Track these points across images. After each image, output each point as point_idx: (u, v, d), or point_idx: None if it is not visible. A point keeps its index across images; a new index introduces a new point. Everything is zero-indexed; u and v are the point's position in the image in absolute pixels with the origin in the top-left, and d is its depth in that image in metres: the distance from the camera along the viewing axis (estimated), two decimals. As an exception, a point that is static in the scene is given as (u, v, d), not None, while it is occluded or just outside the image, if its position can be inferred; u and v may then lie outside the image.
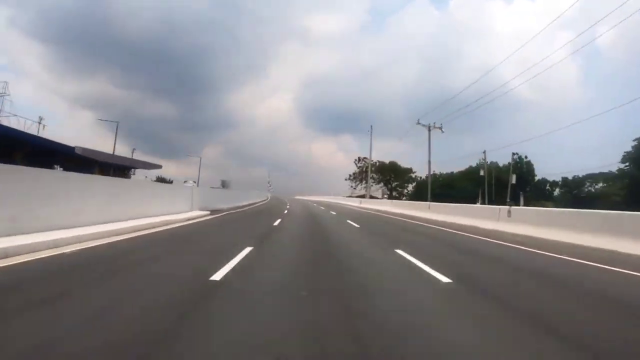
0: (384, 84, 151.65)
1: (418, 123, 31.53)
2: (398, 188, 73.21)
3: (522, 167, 55.86)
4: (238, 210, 17.53)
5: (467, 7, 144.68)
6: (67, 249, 4.73)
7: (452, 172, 66.95)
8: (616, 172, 45.91)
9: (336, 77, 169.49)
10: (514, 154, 53.71)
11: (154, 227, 7.80)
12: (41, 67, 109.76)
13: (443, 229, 11.43)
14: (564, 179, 58.83)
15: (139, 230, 7.07)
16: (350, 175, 77.89)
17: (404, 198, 64.85)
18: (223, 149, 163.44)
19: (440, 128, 31.39)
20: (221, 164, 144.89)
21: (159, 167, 41.86)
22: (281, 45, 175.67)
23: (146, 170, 43.35)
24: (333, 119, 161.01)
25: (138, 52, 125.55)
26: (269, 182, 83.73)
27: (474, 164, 62.38)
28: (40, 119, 39.14)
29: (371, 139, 42.06)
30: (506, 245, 7.70)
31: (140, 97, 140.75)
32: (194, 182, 47.03)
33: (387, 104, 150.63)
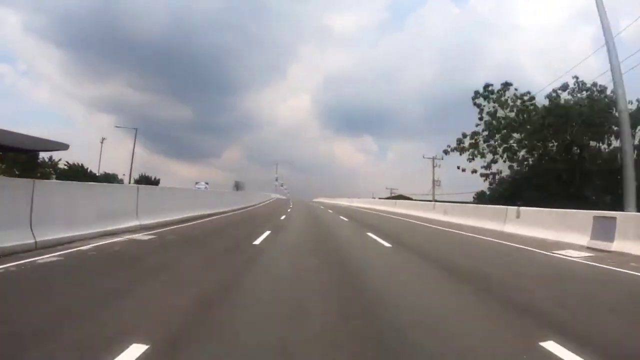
0: (403, 82, 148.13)
1: None
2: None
3: None
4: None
5: (488, 3, 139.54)
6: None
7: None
8: None
9: (354, 77, 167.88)
10: None
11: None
12: (57, 71, 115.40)
13: None
14: None
15: None
16: (465, 136, 31.63)
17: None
18: (242, 151, 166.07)
19: None
20: (240, 167, 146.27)
21: (64, 147, 29.63)
22: (299, 45, 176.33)
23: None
24: (352, 119, 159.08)
25: (155, 54, 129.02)
26: (277, 180, 71.01)
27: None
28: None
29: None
30: None
31: (158, 100, 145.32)
32: (207, 183, 44.78)
33: (406, 104, 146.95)
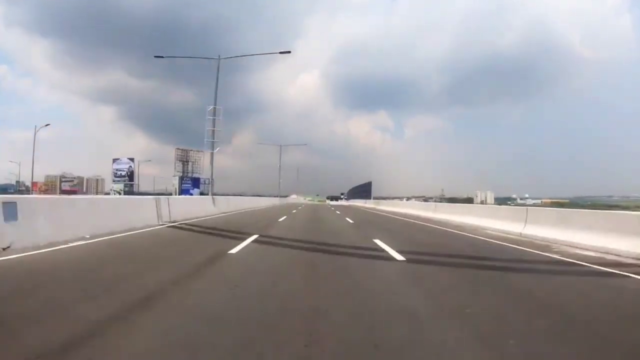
0: (421, 50, 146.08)
1: None
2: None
3: None
4: None
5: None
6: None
7: None
8: None
9: (368, 48, 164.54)
10: None
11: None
12: (50, 64, 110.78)
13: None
14: None
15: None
16: None
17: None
18: (252, 135, 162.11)
19: None
20: (253, 152, 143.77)
21: None
22: (306, 15, 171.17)
23: None
24: (368, 94, 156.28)
25: (150, 34, 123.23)
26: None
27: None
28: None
29: None
30: None
31: (159, 85, 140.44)
32: (131, 159, 44.56)
33: (424, 74, 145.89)
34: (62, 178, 58.57)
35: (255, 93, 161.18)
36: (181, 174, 58.30)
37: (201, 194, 55.65)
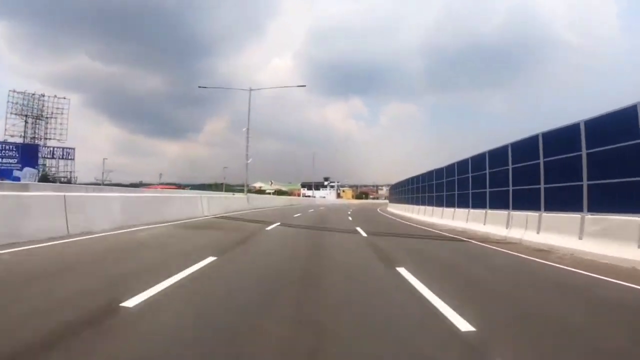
0: (398, 33, 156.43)
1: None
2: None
3: None
4: None
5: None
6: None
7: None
8: None
9: (345, 29, 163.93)
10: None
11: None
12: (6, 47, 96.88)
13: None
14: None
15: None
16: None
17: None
18: (224, 123, 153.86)
19: None
20: (227, 140, 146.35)
21: None
22: None
23: None
24: (345, 79, 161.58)
25: (114, 16, 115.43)
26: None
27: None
28: None
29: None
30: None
31: (126, 71, 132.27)
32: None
33: (401, 58, 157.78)
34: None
35: (226, 79, 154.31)
36: (22, 139, 37.13)
37: (44, 178, 36.93)
